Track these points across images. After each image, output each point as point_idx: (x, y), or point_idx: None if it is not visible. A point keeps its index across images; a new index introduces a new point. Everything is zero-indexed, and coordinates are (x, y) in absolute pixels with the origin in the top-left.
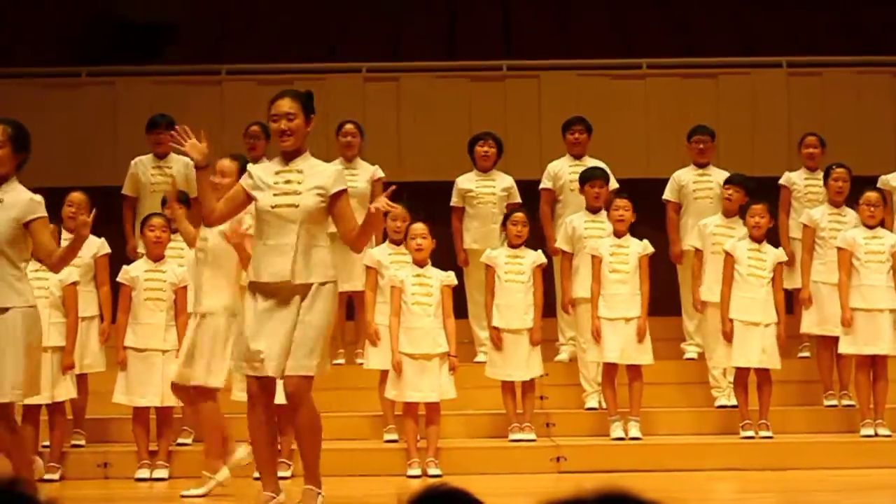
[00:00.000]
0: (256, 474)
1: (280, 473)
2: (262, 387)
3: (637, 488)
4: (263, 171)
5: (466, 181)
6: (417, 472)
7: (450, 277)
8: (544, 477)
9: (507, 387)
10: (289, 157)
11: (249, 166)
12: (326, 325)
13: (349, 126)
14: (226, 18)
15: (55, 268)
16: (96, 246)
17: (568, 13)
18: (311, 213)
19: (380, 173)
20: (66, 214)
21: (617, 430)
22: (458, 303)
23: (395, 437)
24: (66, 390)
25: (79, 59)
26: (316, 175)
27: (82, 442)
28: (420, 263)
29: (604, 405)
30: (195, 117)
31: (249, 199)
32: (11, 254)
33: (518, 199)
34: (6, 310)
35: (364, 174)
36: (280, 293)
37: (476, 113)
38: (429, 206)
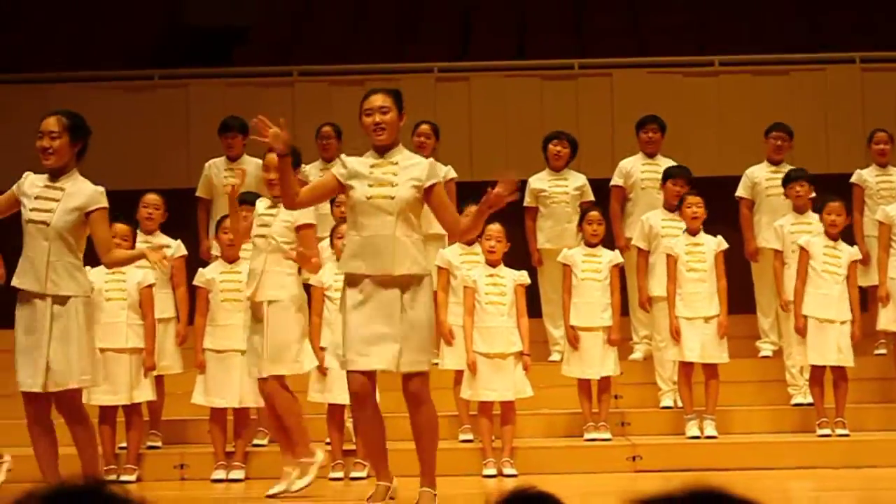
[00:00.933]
0: (336, 474)
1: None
2: (369, 381)
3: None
4: (358, 163)
5: (539, 181)
6: (493, 471)
7: (523, 277)
8: (620, 476)
9: (583, 386)
10: (383, 150)
11: (343, 156)
12: (430, 317)
13: (424, 127)
14: (296, 20)
15: (109, 265)
16: (172, 248)
17: (639, 10)
18: (408, 204)
19: (452, 174)
20: (142, 216)
21: (693, 429)
22: (532, 302)
23: (469, 436)
24: (144, 392)
25: (151, 63)
26: (410, 167)
27: (159, 443)
28: (493, 264)
29: (679, 404)
30: (267, 119)
31: (341, 188)
32: (72, 243)
33: (591, 198)
34: (66, 298)
35: None
36: (380, 285)
37: (548, 112)
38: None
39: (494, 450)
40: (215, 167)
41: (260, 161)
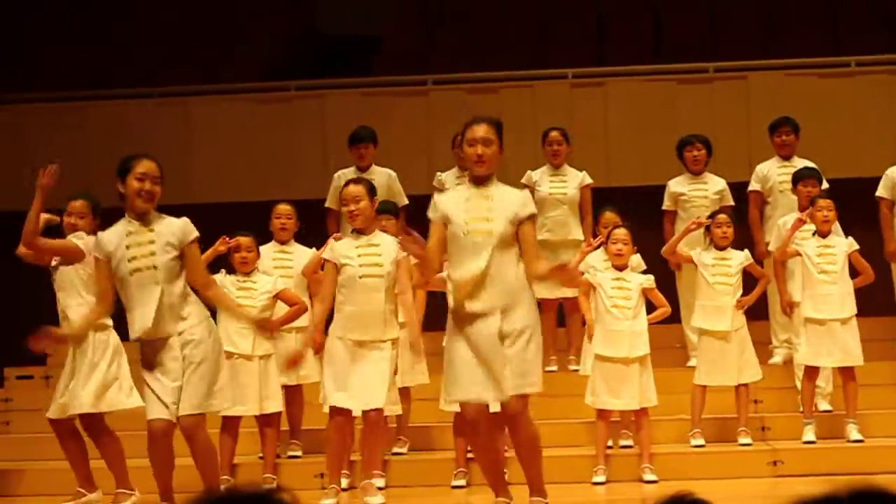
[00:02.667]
0: (458, 482)
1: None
2: (482, 411)
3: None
4: (451, 201)
5: (678, 184)
6: (602, 478)
7: (649, 281)
8: (760, 481)
9: (699, 390)
10: (480, 181)
11: (436, 198)
12: (536, 336)
13: (554, 133)
14: (430, 28)
15: (210, 299)
16: (307, 256)
17: (774, 12)
18: (504, 239)
19: (588, 179)
20: (275, 227)
21: (809, 434)
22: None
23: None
24: (274, 402)
25: (287, 74)
26: (506, 201)
27: (299, 452)
28: (620, 268)
29: (823, 407)
30: (402, 127)
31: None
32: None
33: (730, 202)
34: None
35: (573, 181)
36: (483, 317)
37: (683, 115)
38: (638, 211)
39: (607, 456)
40: (345, 178)
41: (391, 172)
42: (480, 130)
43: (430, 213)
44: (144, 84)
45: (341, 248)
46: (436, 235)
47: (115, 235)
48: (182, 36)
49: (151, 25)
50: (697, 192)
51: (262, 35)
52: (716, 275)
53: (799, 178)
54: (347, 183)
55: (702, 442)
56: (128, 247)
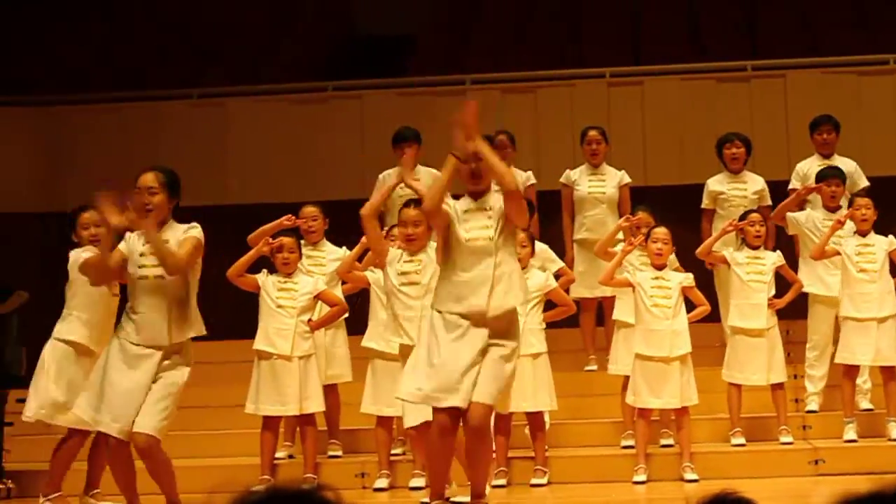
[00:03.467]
0: (499, 481)
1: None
2: (452, 417)
3: None
4: (460, 204)
5: (717, 183)
6: (643, 477)
7: (688, 279)
8: (802, 480)
9: (735, 389)
10: (477, 196)
11: (449, 200)
12: (514, 357)
13: (593, 133)
14: (466, 27)
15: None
16: (339, 256)
17: (812, 11)
18: (504, 240)
19: (627, 178)
20: (303, 229)
21: (850, 433)
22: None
23: (631, 442)
24: (315, 402)
25: (324, 74)
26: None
27: (339, 452)
28: (659, 267)
29: (862, 406)
30: (440, 127)
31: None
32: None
33: (768, 202)
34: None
35: (612, 180)
36: (470, 321)
37: (721, 114)
38: (675, 210)
39: (648, 455)
40: (389, 178)
41: (434, 171)
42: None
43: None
44: (182, 85)
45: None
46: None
47: (133, 241)
48: (219, 37)
49: (189, 27)
50: (737, 192)
51: (300, 36)
52: (749, 273)
53: (822, 177)
54: (408, 203)
55: (742, 441)
56: (141, 254)
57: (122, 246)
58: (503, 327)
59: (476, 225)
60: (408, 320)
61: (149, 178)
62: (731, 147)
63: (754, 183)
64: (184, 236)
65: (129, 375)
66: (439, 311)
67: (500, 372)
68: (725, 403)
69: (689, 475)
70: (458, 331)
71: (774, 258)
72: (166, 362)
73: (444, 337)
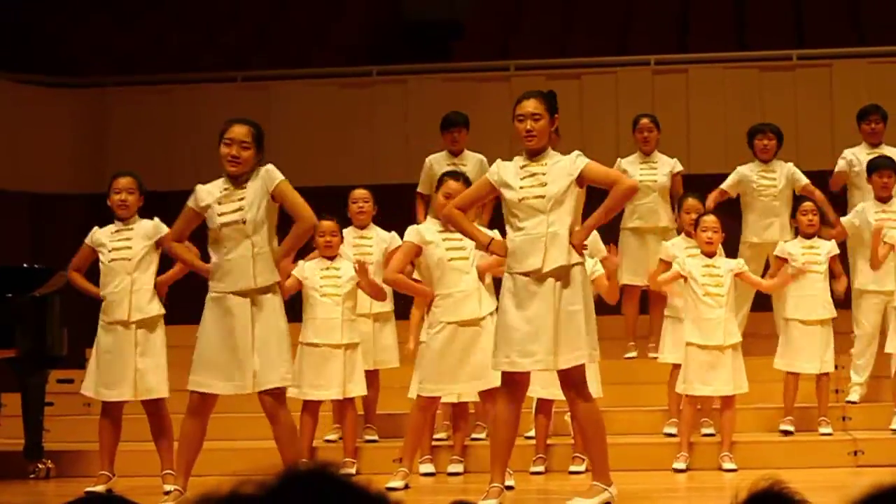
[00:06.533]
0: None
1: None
2: (520, 380)
3: None
4: (507, 169)
5: (748, 170)
6: (683, 465)
7: (739, 265)
8: (841, 471)
9: (792, 378)
10: (532, 154)
11: (497, 163)
12: (586, 307)
13: (645, 120)
14: (512, 13)
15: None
16: (387, 240)
17: (859, 0)
18: (558, 199)
19: (679, 167)
20: (352, 211)
21: None
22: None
23: (674, 430)
24: (359, 387)
25: (371, 59)
26: (558, 166)
27: (375, 437)
28: (709, 255)
29: None
30: (484, 113)
31: (494, 191)
32: (267, 231)
33: (803, 181)
34: (268, 289)
35: (663, 168)
36: (536, 281)
37: (766, 103)
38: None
39: (691, 444)
40: (437, 162)
41: (482, 157)
42: (529, 105)
43: (489, 175)
44: (228, 68)
45: (427, 232)
46: (478, 185)
47: (210, 193)
48: (266, 20)
49: (236, 10)
50: (765, 181)
51: (346, 21)
52: (805, 263)
53: (873, 167)
54: (447, 176)
55: (791, 429)
56: (219, 202)
57: (191, 202)
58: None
59: None
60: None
61: (242, 132)
62: (763, 138)
63: (783, 171)
64: (273, 185)
65: (226, 331)
66: None
67: None
68: (766, 393)
69: (728, 465)
70: None
71: (829, 247)
72: (255, 308)
73: None
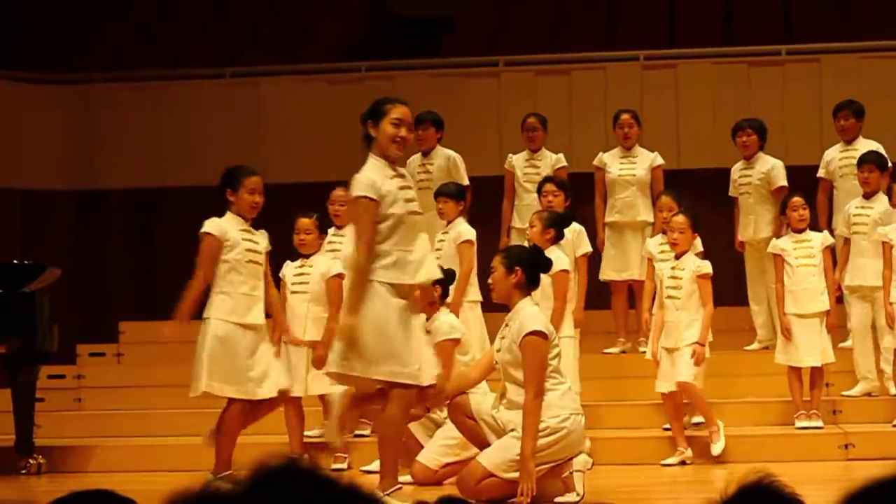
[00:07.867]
0: None
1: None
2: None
3: None
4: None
5: (735, 171)
6: (673, 460)
7: (701, 267)
8: (832, 464)
9: (794, 373)
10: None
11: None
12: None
13: (625, 116)
14: (501, 9)
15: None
16: None
17: None
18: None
19: (659, 160)
20: (331, 212)
21: None
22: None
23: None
24: (323, 384)
25: (360, 55)
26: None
27: (367, 431)
28: (676, 256)
29: (892, 392)
30: (473, 109)
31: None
32: None
33: (779, 183)
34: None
35: (643, 162)
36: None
37: (755, 98)
38: (708, 194)
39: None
40: (415, 163)
41: (451, 154)
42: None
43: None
44: (218, 64)
45: None
46: None
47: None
48: (256, 16)
49: (226, 6)
50: (744, 178)
51: (335, 16)
52: (799, 258)
53: (862, 161)
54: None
55: (805, 424)
56: (401, 188)
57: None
58: None
59: None
60: None
61: (408, 113)
62: (742, 135)
63: (762, 165)
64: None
65: (408, 324)
66: None
67: None
68: (751, 388)
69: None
70: None
71: (822, 238)
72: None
73: None
